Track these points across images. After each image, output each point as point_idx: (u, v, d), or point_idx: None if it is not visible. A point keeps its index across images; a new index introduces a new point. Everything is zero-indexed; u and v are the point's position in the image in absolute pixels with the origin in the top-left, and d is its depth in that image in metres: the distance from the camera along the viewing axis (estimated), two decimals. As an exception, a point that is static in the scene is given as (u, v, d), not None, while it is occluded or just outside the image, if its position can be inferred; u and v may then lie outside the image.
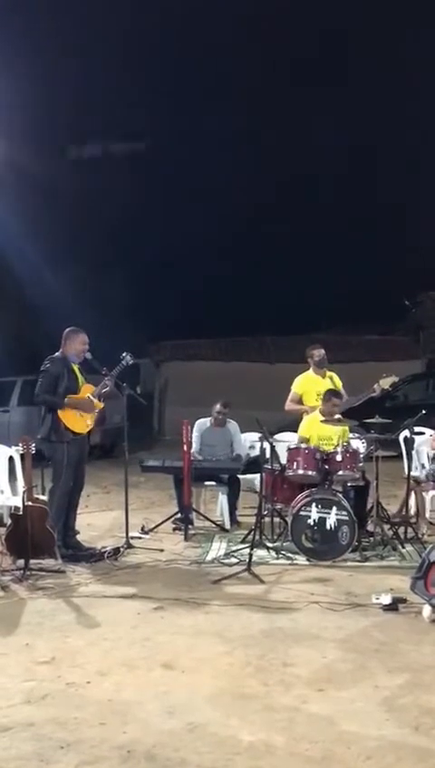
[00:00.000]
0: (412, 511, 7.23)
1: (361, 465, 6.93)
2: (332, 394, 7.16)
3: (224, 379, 16.65)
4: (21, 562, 5.94)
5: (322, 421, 7.04)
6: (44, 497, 6.62)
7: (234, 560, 6.29)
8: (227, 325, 21.04)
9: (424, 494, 7.19)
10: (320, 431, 7.08)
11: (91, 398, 6.66)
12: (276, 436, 7.68)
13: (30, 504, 6.07)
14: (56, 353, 6.78)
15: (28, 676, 4.00)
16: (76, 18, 20.73)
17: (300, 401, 7.64)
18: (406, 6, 20.61)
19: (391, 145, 23.66)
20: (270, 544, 6.72)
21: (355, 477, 6.83)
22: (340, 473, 6.63)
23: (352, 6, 21.84)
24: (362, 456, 7.02)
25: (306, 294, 23.02)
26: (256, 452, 7.53)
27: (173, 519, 7.56)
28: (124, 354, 6.80)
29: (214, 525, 7.65)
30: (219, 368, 19.44)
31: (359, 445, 7.30)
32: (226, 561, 6.31)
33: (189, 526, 7.38)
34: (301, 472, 6.64)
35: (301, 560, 6.32)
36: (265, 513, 7.00)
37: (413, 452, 7.48)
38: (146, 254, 22.42)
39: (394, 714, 3.54)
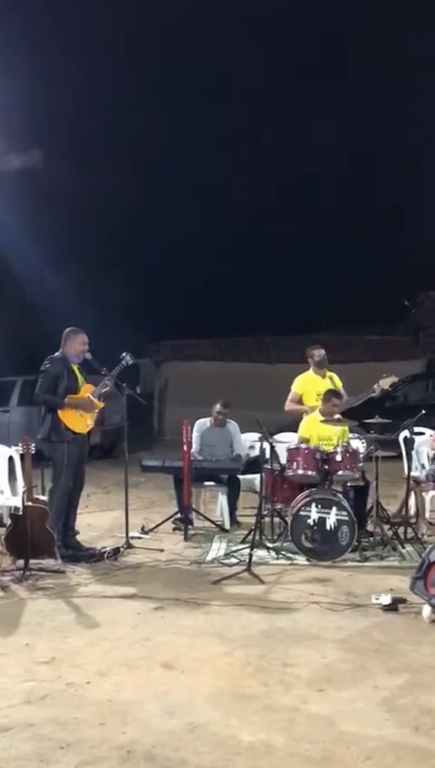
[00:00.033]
0: (412, 511, 7.23)
1: (360, 465, 6.93)
2: (332, 394, 7.16)
3: (224, 380, 16.64)
4: (21, 563, 5.94)
5: (322, 421, 7.04)
6: (44, 497, 6.62)
7: (234, 560, 6.29)
8: (226, 325, 21.06)
9: (424, 494, 7.19)
10: (320, 431, 7.09)
11: (92, 397, 6.66)
12: (276, 437, 7.68)
13: (30, 504, 6.07)
14: (56, 353, 6.78)
15: (28, 677, 4.00)
16: (76, 18, 20.77)
17: (300, 401, 7.65)
18: (406, 6, 20.64)
19: (391, 145, 23.70)
20: (270, 544, 6.72)
21: (355, 477, 6.83)
22: (340, 473, 6.63)
23: (352, 6, 21.89)
24: (361, 456, 7.02)
25: (306, 294, 23.05)
26: (256, 452, 7.53)
27: (173, 519, 7.56)
28: (124, 354, 6.80)
29: (214, 525, 7.64)
30: (219, 368, 19.43)
31: (359, 445, 7.30)
32: (226, 561, 6.31)
33: (189, 526, 7.38)
34: (301, 472, 6.64)
35: (301, 560, 6.32)
36: (265, 513, 7.00)
37: (413, 452, 7.48)
38: (146, 254, 22.45)
39: (394, 714, 3.54)
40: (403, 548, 6.67)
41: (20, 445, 6.34)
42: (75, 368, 6.75)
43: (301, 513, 6.33)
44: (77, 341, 6.74)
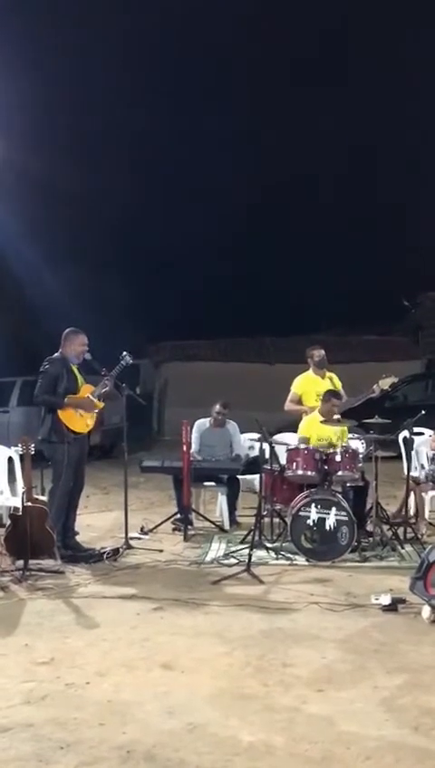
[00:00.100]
0: (412, 511, 7.23)
1: (360, 465, 6.93)
2: (331, 395, 7.17)
3: (223, 380, 16.63)
4: (20, 563, 5.94)
5: (321, 422, 7.05)
6: (44, 498, 6.62)
7: (233, 560, 6.30)
8: (226, 326, 21.03)
9: (423, 494, 7.19)
10: (319, 431, 7.09)
11: (92, 397, 6.66)
12: (275, 437, 7.68)
13: (29, 504, 6.07)
14: (55, 354, 6.78)
15: (27, 677, 4.01)
16: (76, 18, 20.75)
17: (299, 402, 7.65)
18: (406, 6, 20.63)
19: (391, 145, 23.67)
20: (269, 545, 6.72)
21: (355, 478, 6.83)
22: (339, 473, 6.63)
23: (353, 6, 21.86)
24: (361, 456, 7.03)
25: (306, 295, 23.01)
26: (256, 452, 7.53)
27: (172, 519, 7.56)
28: (123, 354, 6.80)
29: (213, 526, 7.65)
30: (219, 368, 19.43)
31: (358, 445, 7.31)
32: (225, 561, 6.32)
33: (189, 527, 7.39)
34: (300, 472, 6.64)
35: (300, 560, 6.32)
36: (265, 513, 7.00)
37: (413, 452, 7.48)
38: (146, 254, 22.41)
39: (394, 714, 3.54)
40: (403, 548, 6.68)
41: (20, 445, 6.34)
42: (75, 368, 6.75)
43: (300, 513, 6.33)
44: (76, 342, 6.74)
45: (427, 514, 7.25)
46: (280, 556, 6.45)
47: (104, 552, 6.45)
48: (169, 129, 24.08)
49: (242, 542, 6.76)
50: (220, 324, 21.09)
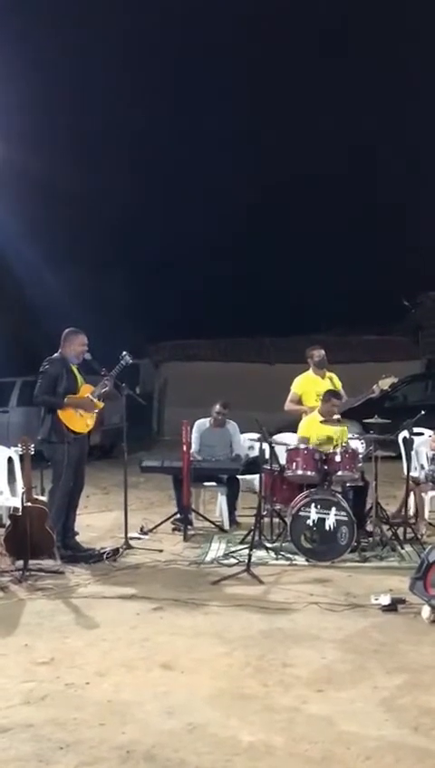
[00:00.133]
0: (411, 511, 7.24)
1: (360, 465, 6.94)
2: (331, 395, 7.17)
3: (223, 380, 16.64)
4: (20, 563, 5.94)
5: (321, 422, 7.05)
6: (44, 498, 6.62)
7: (233, 560, 6.30)
8: (226, 326, 21.02)
9: (423, 494, 7.19)
10: (319, 431, 7.09)
11: (91, 397, 6.66)
12: (275, 437, 7.68)
13: (29, 504, 6.07)
14: (55, 354, 6.78)
15: (27, 677, 4.01)
16: (76, 18, 20.74)
17: (299, 402, 7.65)
18: (406, 6, 20.62)
19: (391, 145, 23.65)
20: (269, 545, 6.72)
21: (354, 478, 6.83)
22: (339, 473, 6.64)
23: (352, 6, 21.85)
24: (361, 456, 7.03)
25: (306, 295, 22.99)
26: (256, 452, 7.53)
27: (172, 519, 7.57)
28: (123, 354, 6.81)
29: (213, 526, 7.65)
30: (219, 368, 19.44)
31: (358, 445, 7.31)
32: (225, 561, 6.32)
33: (189, 527, 7.39)
34: (300, 472, 6.64)
35: (300, 560, 6.32)
36: (265, 513, 7.00)
37: (412, 452, 7.48)
38: (146, 254, 22.39)
39: (393, 714, 3.54)
40: (402, 548, 6.68)
41: (19, 445, 6.34)
42: (75, 368, 6.75)
43: (300, 513, 6.33)
44: (76, 342, 6.75)
45: (427, 514, 7.25)
46: (280, 556, 6.45)
47: (104, 552, 6.45)
48: (169, 129, 24.08)
49: (242, 543, 6.77)
50: (220, 324, 21.09)
